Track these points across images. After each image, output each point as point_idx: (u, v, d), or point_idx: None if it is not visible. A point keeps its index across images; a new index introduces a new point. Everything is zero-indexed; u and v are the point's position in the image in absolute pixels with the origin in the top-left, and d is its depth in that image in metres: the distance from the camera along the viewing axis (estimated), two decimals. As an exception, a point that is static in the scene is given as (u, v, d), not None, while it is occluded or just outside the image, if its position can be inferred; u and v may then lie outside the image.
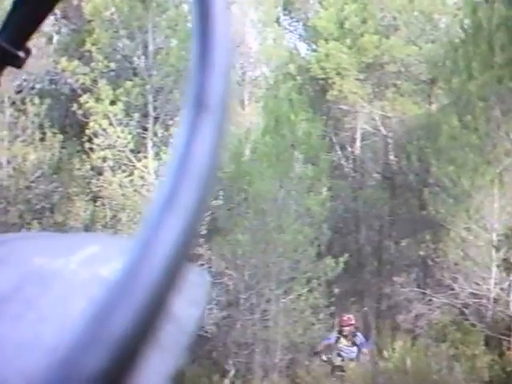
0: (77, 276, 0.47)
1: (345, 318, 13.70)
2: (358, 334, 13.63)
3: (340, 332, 13.55)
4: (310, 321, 16.41)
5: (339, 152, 19.93)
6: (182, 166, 0.35)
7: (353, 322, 13.65)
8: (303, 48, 21.01)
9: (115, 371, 0.30)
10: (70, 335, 0.29)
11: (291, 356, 16.74)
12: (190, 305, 0.47)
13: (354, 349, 13.36)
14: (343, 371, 12.76)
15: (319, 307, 16.40)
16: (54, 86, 16.07)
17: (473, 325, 14.31)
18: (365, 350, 13.48)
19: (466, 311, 14.69)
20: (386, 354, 13.01)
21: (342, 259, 16.36)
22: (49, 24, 16.72)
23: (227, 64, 0.38)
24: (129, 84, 14.71)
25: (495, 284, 14.45)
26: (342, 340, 13.44)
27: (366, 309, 19.22)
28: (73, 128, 15.33)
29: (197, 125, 0.36)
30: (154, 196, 0.34)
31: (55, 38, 16.09)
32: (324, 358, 13.77)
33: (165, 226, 0.33)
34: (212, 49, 0.38)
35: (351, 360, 13.33)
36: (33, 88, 14.77)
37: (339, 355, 13.42)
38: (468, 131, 14.15)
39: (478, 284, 14.63)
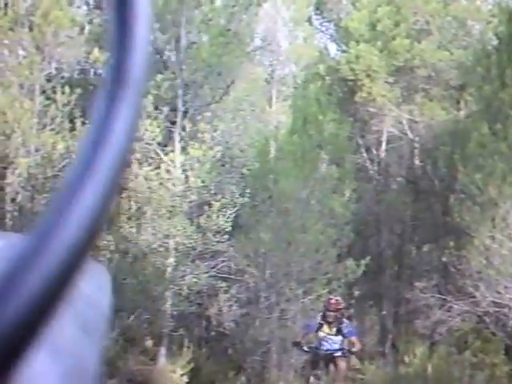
0: None
1: (332, 301, 10.84)
2: (345, 321, 10.92)
3: (324, 317, 10.74)
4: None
5: (364, 154, 19.86)
6: (98, 143, 0.35)
7: (341, 306, 10.85)
8: (333, 48, 21.00)
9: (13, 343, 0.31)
10: None
11: (307, 357, 16.74)
12: (99, 291, 0.50)
13: (338, 338, 10.66)
14: (363, 374, 12.50)
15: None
16: (84, 76, 16.11)
17: (493, 333, 14.22)
18: (353, 340, 10.70)
19: (487, 319, 14.60)
20: (406, 359, 12.93)
21: (363, 262, 16.31)
22: (81, 14, 16.77)
23: (146, 40, 0.38)
24: (159, 77, 14.74)
25: (517, 294, 14.36)
26: (325, 327, 10.64)
27: (384, 312, 19.18)
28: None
29: (115, 100, 0.36)
30: (69, 171, 0.34)
31: (87, 28, 16.11)
32: (305, 348, 10.97)
33: (78, 201, 0.33)
34: (131, 24, 0.38)
35: (335, 351, 10.70)
36: (63, 77, 14.81)
37: (321, 345, 10.74)
38: (497, 139, 14.06)
39: (499, 293, 14.53)
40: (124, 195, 14.36)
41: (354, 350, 10.68)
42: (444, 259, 16.11)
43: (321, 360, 10.85)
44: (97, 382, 0.44)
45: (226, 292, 15.72)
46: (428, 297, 16.66)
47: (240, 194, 15.15)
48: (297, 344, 11.04)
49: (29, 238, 0.33)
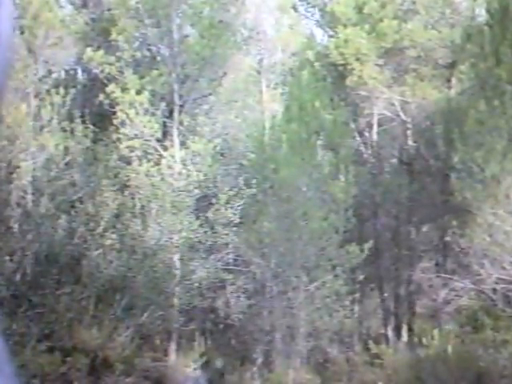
0: None
1: None
2: None
3: None
4: (333, 307, 16.39)
5: (358, 138, 19.83)
6: None
7: None
8: (320, 34, 20.91)
9: None
10: None
11: (316, 343, 16.75)
12: None
13: None
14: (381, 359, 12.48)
15: (342, 294, 16.39)
16: (78, 77, 16.01)
17: (502, 310, 14.28)
18: None
19: (494, 297, 14.65)
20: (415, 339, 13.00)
21: (366, 245, 16.29)
22: (69, 14, 16.65)
23: (9, 32, 0.41)
24: (154, 73, 14.67)
25: (523, 268, 14.40)
26: None
27: (386, 295, 19.22)
28: (99, 118, 15.27)
29: None
30: None
31: (76, 28, 15.99)
32: None
33: None
34: None
35: None
36: (57, 79, 14.70)
37: None
38: (495, 116, 14.07)
39: (505, 269, 14.58)
40: (127, 193, 14.28)
41: None
42: (447, 238, 16.14)
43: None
44: None
45: (232, 284, 15.68)
46: (432, 277, 16.71)
47: (245, 185, 15.10)
48: None
49: None
